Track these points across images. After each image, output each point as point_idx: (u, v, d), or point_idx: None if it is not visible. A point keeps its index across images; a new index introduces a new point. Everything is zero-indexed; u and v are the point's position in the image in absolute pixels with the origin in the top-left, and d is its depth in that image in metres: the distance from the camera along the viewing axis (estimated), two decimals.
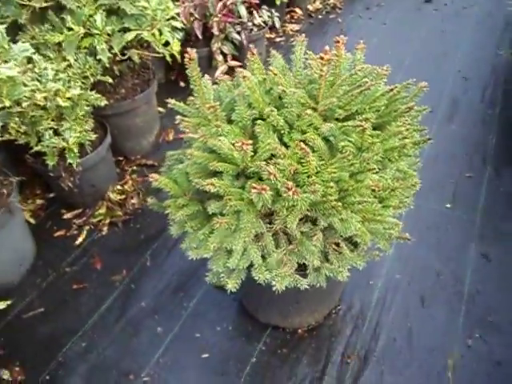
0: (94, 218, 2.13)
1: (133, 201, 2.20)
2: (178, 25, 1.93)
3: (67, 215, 2.16)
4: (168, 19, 1.82)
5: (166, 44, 2.08)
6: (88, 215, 2.14)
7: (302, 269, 1.23)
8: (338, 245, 1.22)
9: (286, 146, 1.12)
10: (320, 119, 1.11)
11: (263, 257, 1.16)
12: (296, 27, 3.54)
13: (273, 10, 3.00)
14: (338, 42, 1.17)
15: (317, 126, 1.10)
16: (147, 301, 1.79)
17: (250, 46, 1.32)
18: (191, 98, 1.25)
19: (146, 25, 1.79)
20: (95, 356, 1.62)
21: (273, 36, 3.41)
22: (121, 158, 2.43)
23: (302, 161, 1.04)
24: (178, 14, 1.95)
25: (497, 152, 2.28)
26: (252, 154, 1.03)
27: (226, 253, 1.20)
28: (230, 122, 1.20)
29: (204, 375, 1.55)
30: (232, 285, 1.17)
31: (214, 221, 1.09)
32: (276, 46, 3.33)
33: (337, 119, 1.16)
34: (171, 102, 1.28)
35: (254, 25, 2.84)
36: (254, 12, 2.83)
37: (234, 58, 2.88)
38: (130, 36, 1.77)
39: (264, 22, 2.93)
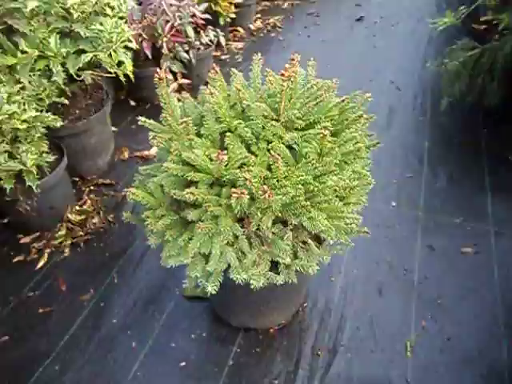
0: (55, 240, 2.11)
1: (94, 220, 2.19)
2: (133, 46, 1.99)
3: (25, 239, 2.11)
4: (123, 41, 1.88)
5: (119, 64, 2.13)
6: (48, 238, 2.11)
7: (272, 268, 1.33)
8: (304, 243, 1.33)
9: (254, 155, 1.22)
10: (283, 129, 1.22)
11: (238, 259, 1.25)
12: (239, 45, 3.69)
13: (218, 30, 3.13)
14: (293, 59, 1.31)
15: (281, 135, 1.22)
16: (118, 317, 1.80)
17: (215, 64, 1.42)
18: (163, 114, 1.31)
19: (102, 47, 1.84)
20: (70, 377, 1.61)
21: (218, 54, 3.54)
22: (76, 179, 2.42)
23: (272, 167, 1.15)
24: (139, 35, 2.01)
25: (430, 153, 2.53)
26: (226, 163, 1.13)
27: (203, 258, 1.27)
28: (199, 135, 1.28)
29: (183, 382, 1.59)
30: (212, 287, 1.24)
31: (193, 227, 1.16)
32: (222, 63, 3.46)
33: (296, 129, 1.28)
34: (141, 119, 1.34)
35: (201, 44, 2.95)
36: (201, 31, 2.94)
37: (184, 77, 2.96)
38: (87, 58, 1.80)
39: (210, 41, 3.05)
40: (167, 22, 2.64)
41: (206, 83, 3.23)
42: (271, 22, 4.01)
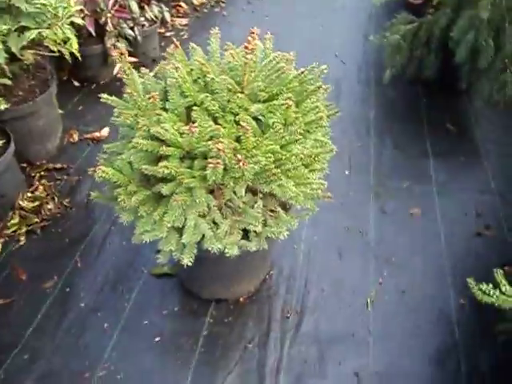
0: (8, 229, 2.02)
1: (49, 206, 2.12)
2: (80, 21, 1.91)
3: None
4: (69, 16, 1.80)
5: (64, 42, 2.04)
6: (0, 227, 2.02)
7: (243, 236, 1.38)
8: (272, 211, 1.40)
9: (222, 128, 1.25)
10: (248, 101, 1.26)
11: (211, 230, 1.29)
12: (184, 21, 3.62)
13: (162, 5, 3.05)
14: (253, 32, 1.33)
15: (246, 107, 1.25)
16: (86, 301, 1.78)
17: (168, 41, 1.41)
18: (127, 90, 1.29)
19: (47, 23, 1.75)
20: (42, 365, 1.58)
21: (163, 30, 3.45)
22: (24, 165, 2.31)
23: (241, 138, 1.19)
24: (81, 11, 1.92)
25: (376, 123, 2.68)
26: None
27: (175, 231, 1.29)
28: (164, 110, 1.28)
29: (159, 356, 1.62)
30: (187, 259, 1.28)
31: (166, 202, 1.18)
32: (167, 40, 3.38)
33: (259, 101, 1.32)
34: (103, 96, 1.31)
35: (146, 20, 2.87)
36: (146, 7, 2.85)
37: (129, 54, 2.87)
38: (32, 35, 1.71)
39: (155, 17, 2.97)
40: None
41: (153, 60, 3.17)
42: None
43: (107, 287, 1.83)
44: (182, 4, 3.78)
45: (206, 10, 3.82)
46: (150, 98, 1.19)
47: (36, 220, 2.05)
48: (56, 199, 2.16)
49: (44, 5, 1.73)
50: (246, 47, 1.21)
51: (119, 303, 1.78)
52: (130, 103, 1.28)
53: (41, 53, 2.10)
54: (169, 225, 1.21)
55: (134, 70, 1.30)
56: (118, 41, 2.78)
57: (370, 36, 3.34)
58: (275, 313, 1.76)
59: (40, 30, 1.74)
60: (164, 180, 1.24)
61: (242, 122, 1.14)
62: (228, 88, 1.26)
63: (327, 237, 2.05)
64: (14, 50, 1.77)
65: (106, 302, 1.78)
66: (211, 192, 1.27)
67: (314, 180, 1.29)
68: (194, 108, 1.23)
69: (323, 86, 1.39)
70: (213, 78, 1.26)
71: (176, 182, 1.15)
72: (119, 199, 1.20)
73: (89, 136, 2.53)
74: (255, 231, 1.35)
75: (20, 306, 1.76)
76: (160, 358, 1.62)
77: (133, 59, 2.81)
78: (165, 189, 1.15)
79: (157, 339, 1.67)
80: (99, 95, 1.36)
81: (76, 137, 2.52)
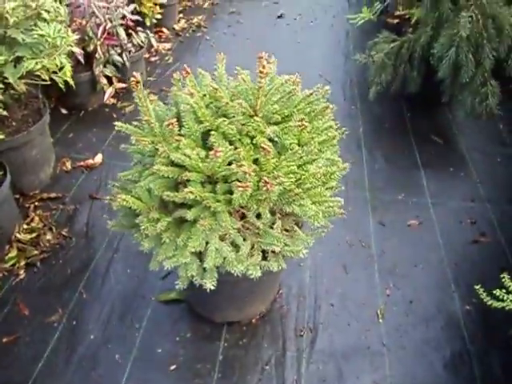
0: (6, 262, 1.95)
1: (47, 237, 2.07)
2: (78, 51, 1.90)
3: None
4: (67, 46, 1.79)
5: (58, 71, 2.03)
6: None
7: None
8: (287, 230, 1.41)
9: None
10: (264, 124, 1.29)
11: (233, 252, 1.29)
12: (167, 46, 3.66)
13: (148, 31, 3.07)
14: (261, 57, 1.37)
15: (262, 130, 1.28)
16: (95, 333, 1.74)
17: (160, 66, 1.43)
18: (144, 118, 1.29)
19: (45, 53, 1.74)
20: None
21: (147, 56, 3.47)
22: (17, 196, 2.25)
23: (259, 160, 1.21)
24: (95, 35, 1.91)
25: (366, 139, 2.75)
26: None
27: (196, 256, 1.29)
28: (179, 136, 1.29)
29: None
30: (210, 283, 1.27)
31: (188, 227, 1.18)
32: (153, 65, 3.40)
33: (273, 123, 1.35)
34: (118, 124, 1.31)
35: (133, 45, 2.88)
36: (132, 33, 2.87)
37: (118, 80, 2.88)
38: (30, 65, 1.69)
39: (142, 42, 2.99)
40: (98, 25, 2.54)
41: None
42: (195, 21, 4.02)
43: (115, 317, 1.79)
44: (164, 30, 3.82)
45: (188, 35, 3.87)
46: (168, 125, 1.19)
47: (35, 252, 2.00)
48: (54, 229, 2.11)
49: (42, 35, 1.73)
50: (261, 72, 1.25)
51: (129, 333, 1.74)
52: (146, 130, 1.28)
53: (33, 82, 2.08)
54: (192, 250, 1.20)
55: (147, 98, 1.31)
56: (105, 67, 2.78)
57: (350, 56, 3.48)
58: (288, 331, 1.76)
59: (37, 60, 1.72)
60: (184, 206, 1.24)
61: (263, 144, 1.16)
62: (242, 112, 1.29)
63: (331, 252, 2.07)
64: (11, 80, 1.75)
65: (116, 333, 1.74)
66: (230, 215, 1.28)
67: (330, 198, 1.31)
68: (212, 132, 1.25)
69: (330, 106, 1.43)
70: (227, 103, 1.28)
71: (201, 207, 1.16)
72: (142, 227, 1.19)
73: (82, 164, 2.49)
74: (273, 251, 1.37)
75: (26, 342, 1.70)
76: None
77: (122, 85, 2.83)
78: (190, 214, 1.15)
79: (172, 367, 1.64)
80: (115, 123, 1.35)
81: (69, 165, 2.48)
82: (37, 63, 1.72)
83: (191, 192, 1.12)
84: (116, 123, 1.34)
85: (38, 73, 1.98)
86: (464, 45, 2.39)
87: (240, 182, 1.13)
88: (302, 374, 1.63)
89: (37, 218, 2.15)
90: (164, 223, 1.17)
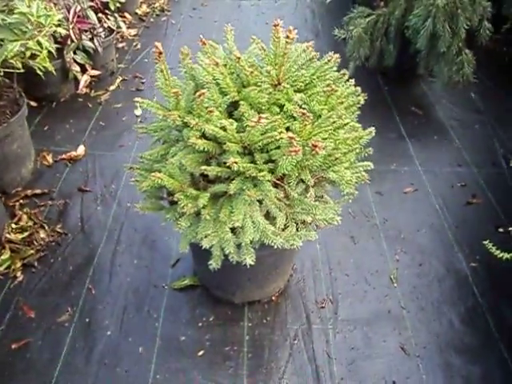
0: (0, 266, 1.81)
1: (41, 235, 1.93)
2: (63, 31, 1.77)
3: None
4: (53, 25, 1.66)
5: (32, 57, 1.88)
6: None
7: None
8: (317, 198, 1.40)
9: None
10: (292, 91, 1.26)
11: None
12: (133, 32, 3.50)
13: (116, 15, 2.92)
14: (277, 25, 1.33)
15: (290, 97, 1.25)
16: (112, 328, 1.65)
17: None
18: (172, 90, 1.21)
19: (29, 34, 1.60)
20: None
21: (114, 42, 3.30)
22: None
23: (292, 127, 1.18)
24: (66, 19, 1.77)
25: None
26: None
27: (231, 233, 1.25)
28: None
29: (208, 370, 1.55)
30: (250, 259, 1.24)
31: (228, 201, 1.14)
32: (122, 51, 3.24)
33: (296, 90, 1.32)
34: (139, 100, 1.23)
35: (104, 30, 2.73)
36: (103, 17, 2.72)
37: (92, 68, 2.72)
38: (15, 47, 1.55)
39: (110, 27, 2.84)
40: (67, 7, 2.37)
41: (112, 73, 3.02)
42: (157, 5, 3.87)
43: (131, 310, 1.71)
44: (127, 15, 3.64)
45: (152, 20, 3.72)
46: (199, 96, 1.13)
47: (31, 252, 1.86)
48: (46, 227, 1.97)
49: (23, 13, 1.58)
50: (288, 37, 1.21)
51: (148, 324, 1.67)
52: (172, 104, 1.21)
53: (6, 70, 1.92)
54: (232, 225, 1.16)
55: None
56: (75, 54, 2.61)
57: (320, 34, 3.51)
58: (310, 305, 1.76)
59: (22, 42, 1.58)
60: (217, 180, 1.20)
61: (301, 110, 1.13)
62: (266, 80, 1.25)
63: (337, 224, 2.08)
64: None
65: (134, 326, 1.66)
66: None
67: (360, 163, 1.31)
68: (241, 102, 1.20)
69: (346, 73, 1.43)
70: (252, 72, 1.23)
71: (241, 179, 1.11)
72: (182, 204, 1.12)
73: (64, 156, 2.34)
74: (303, 222, 1.35)
75: (38, 346, 1.58)
76: (210, 372, 1.54)
77: (96, 72, 2.68)
78: (232, 187, 1.10)
79: (200, 353, 1.59)
80: (135, 99, 1.26)
81: (50, 159, 2.32)
82: (22, 45, 1.58)
83: (235, 162, 1.07)
84: (137, 99, 1.25)
85: (12, 60, 1.83)
86: (440, 15, 2.46)
87: (278, 149, 1.10)
88: (331, 344, 1.64)
89: (25, 217, 2.00)
90: (205, 199, 1.12)
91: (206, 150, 1.15)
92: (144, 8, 3.81)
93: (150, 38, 3.45)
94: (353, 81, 1.41)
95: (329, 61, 1.38)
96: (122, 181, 2.23)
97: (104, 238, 1.96)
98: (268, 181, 1.11)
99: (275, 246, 1.23)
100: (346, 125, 1.25)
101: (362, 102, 1.39)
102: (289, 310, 1.74)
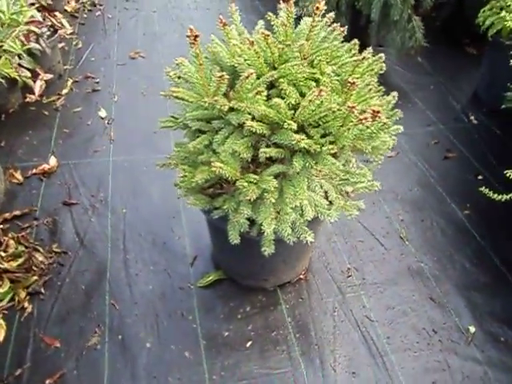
0: (0, 301, 1.61)
1: (39, 258, 1.75)
2: (37, 30, 1.58)
3: None
4: (26, 23, 1.47)
5: None
6: None
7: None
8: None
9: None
10: (325, 65, 1.25)
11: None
12: (68, 30, 3.21)
13: (57, 13, 2.67)
14: (288, 0, 1.31)
15: (323, 70, 1.25)
16: (150, 339, 1.55)
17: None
18: (218, 75, 1.14)
19: (5, 33, 1.41)
20: None
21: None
22: None
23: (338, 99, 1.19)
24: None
25: None
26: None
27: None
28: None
29: (261, 359, 1.52)
30: (310, 236, 1.23)
31: (288, 181, 1.12)
32: (63, 52, 2.98)
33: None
34: (173, 89, 1.15)
35: (49, 29, 2.49)
36: (47, 15, 2.47)
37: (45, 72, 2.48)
38: None
39: (58, 25, 2.60)
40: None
41: (60, 76, 2.78)
42: (86, 0, 3.60)
43: (164, 317, 1.62)
44: (57, 14, 3.33)
45: (85, 16, 3.45)
46: (247, 77, 1.08)
47: (34, 278, 1.68)
48: (41, 249, 1.79)
49: None
50: (317, 8, 1.20)
51: (187, 328, 1.60)
52: (212, 91, 1.15)
53: None
54: (294, 205, 1.14)
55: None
56: (20, 58, 2.36)
57: (265, 16, 3.49)
58: (337, 276, 1.80)
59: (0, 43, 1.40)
60: (269, 163, 1.17)
61: (350, 79, 1.13)
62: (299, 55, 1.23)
63: None
64: None
65: (172, 332, 1.58)
66: None
67: (391, 128, 1.35)
68: (281, 80, 1.17)
69: (356, 43, 1.45)
70: (283, 48, 1.21)
71: (300, 156, 1.09)
72: (245, 191, 1.07)
73: (36, 171, 2.12)
74: (347, 192, 1.37)
75: (75, 376, 1.44)
76: (264, 360, 1.52)
77: (49, 76, 2.46)
78: (297, 164, 1.08)
79: (248, 344, 1.56)
80: (171, 88, 1.17)
81: (19, 176, 2.09)
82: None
83: (301, 139, 1.05)
84: (172, 88, 1.16)
85: None
86: None
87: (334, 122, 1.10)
88: (368, 308, 1.69)
89: (12, 242, 1.79)
90: (274, 182, 1.08)
91: (257, 132, 1.11)
92: (73, 4, 3.52)
93: (89, 35, 3.21)
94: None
95: (339, 34, 1.39)
96: (109, 187, 2.08)
97: (109, 250, 1.83)
98: (330, 154, 1.11)
99: (329, 221, 1.23)
100: (379, 91, 1.27)
101: (382, 71, 1.42)
102: (319, 284, 1.76)
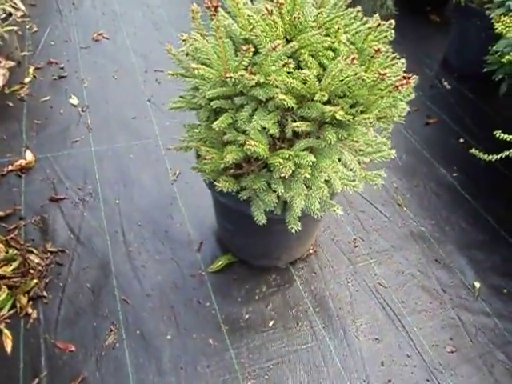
0: (0, 310, 1.49)
1: (35, 260, 1.63)
2: (9, 9, 1.41)
3: None
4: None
5: None
6: None
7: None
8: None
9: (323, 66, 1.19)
10: (341, 33, 1.22)
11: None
12: (18, 13, 2.94)
13: None
14: None
15: (339, 39, 1.21)
16: (170, 331, 1.50)
17: None
18: (244, 48, 1.07)
19: None
20: None
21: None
22: None
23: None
24: None
25: None
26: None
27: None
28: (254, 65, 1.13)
29: (286, 336, 1.52)
30: (338, 210, 1.22)
31: (323, 154, 1.09)
32: (19, 37, 2.72)
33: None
34: (194, 66, 1.07)
35: (4, 13, 2.26)
36: None
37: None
38: None
39: (6, 9, 2.36)
40: None
41: (19, 63, 2.57)
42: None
43: (180, 307, 1.57)
44: None
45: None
46: (275, 48, 1.03)
47: (33, 282, 1.56)
48: (34, 250, 1.66)
49: None
50: None
51: (207, 315, 1.56)
52: (234, 66, 1.08)
53: None
54: (325, 178, 1.12)
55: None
56: None
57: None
58: (345, 247, 1.81)
59: None
60: (296, 138, 1.13)
61: (374, 47, 1.10)
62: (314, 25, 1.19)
63: None
64: None
65: (192, 321, 1.53)
66: None
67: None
68: (302, 51, 1.13)
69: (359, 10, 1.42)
70: (296, 17, 1.16)
71: (331, 128, 1.06)
72: (281, 167, 1.03)
73: (12, 168, 1.95)
74: (364, 162, 1.37)
75: (98, 378, 1.37)
76: (289, 338, 1.52)
77: (11, 63, 2.26)
78: (331, 136, 1.05)
79: (271, 323, 1.55)
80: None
81: None
82: None
83: (337, 112, 1.01)
84: (192, 65, 1.08)
85: None
86: None
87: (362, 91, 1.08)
88: (380, 275, 1.73)
89: (1, 245, 1.65)
90: (311, 157, 1.05)
91: (284, 106, 1.06)
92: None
93: (43, 17, 2.96)
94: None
95: (347, 7, 1.36)
96: (97, 178, 1.96)
97: (108, 244, 1.73)
98: (360, 124, 1.09)
99: (350, 192, 1.23)
100: (394, 58, 1.26)
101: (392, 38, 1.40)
102: (329, 257, 1.77)
